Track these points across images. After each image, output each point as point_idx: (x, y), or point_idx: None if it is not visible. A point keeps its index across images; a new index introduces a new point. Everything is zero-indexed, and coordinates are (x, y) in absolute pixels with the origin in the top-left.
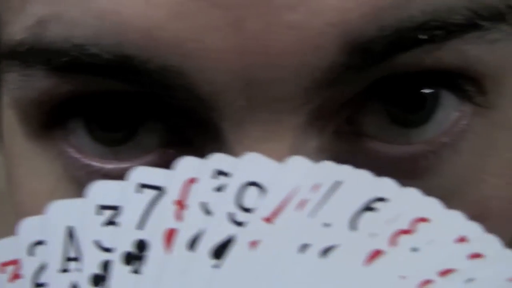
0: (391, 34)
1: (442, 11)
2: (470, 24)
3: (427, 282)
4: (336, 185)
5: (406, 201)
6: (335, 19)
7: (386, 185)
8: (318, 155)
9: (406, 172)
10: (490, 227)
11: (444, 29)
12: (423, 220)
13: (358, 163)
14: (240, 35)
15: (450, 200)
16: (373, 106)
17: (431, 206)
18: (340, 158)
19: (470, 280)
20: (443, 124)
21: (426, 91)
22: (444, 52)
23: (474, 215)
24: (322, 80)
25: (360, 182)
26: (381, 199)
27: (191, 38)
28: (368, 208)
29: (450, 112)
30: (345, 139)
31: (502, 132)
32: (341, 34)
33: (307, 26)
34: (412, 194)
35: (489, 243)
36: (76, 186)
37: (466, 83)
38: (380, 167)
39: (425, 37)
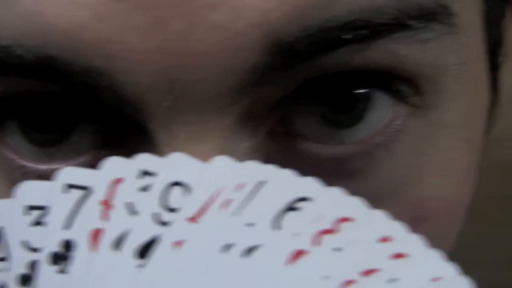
0: (315, 34)
1: (368, 11)
2: (399, 24)
3: (350, 282)
4: (260, 185)
5: (329, 200)
6: (257, 20)
7: (310, 185)
8: (251, 156)
9: (339, 172)
10: (431, 228)
11: (369, 29)
12: (346, 220)
13: (291, 164)
14: (162, 36)
15: (387, 200)
16: (305, 107)
17: (354, 206)
18: (273, 159)
19: (393, 280)
20: (376, 125)
21: (358, 91)
22: (373, 52)
23: (414, 216)
24: (247, 80)
25: (283, 182)
26: (304, 199)
27: (113, 39)
28: (291, 207)
29: (384, 112)
30: (279, 140)
31: (440, 132)
32: (263, 35)
33: (229, 26)
34: (336, 194)
35: (412, 243)
36: (12, 187)
37: (399, 83)
38: (313, 168)
39: (349, 36)
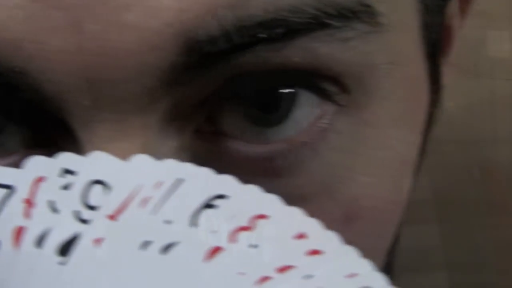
0: (230, 33)
1: (285, 10)
2: (317, 23)
3: (265, 278)
4: (178, 182)
5: (245, 198)
6: (172, 19)
7: (226, 182)
8: (179, 155)
9: (266, 171)
10: (364, 227)
11: (286, 28)
12: (262, 217)
13: (219, 163)
14: (80, 36)
15: (317, 199)
16: (231, 106)
17: (270, 203)
18: (201, 158)
19: (308, 276)
20: (302, 123)
21: (282, 90)
22: (291, 51)
23: (346, 215)
24: (166, 79)
25: (201, 180)
26: (221, 196)
27: (32, 40)
28: (208, 205)
29: (309, 111)
30: (206, 138)
31: (370, 130)
32: (178, 34)
33: (145, 26)
34: (252, 191)
35: (328, 239)
36: None
37: (323, 82)
38: (240, 166)
39: (264, 35)
